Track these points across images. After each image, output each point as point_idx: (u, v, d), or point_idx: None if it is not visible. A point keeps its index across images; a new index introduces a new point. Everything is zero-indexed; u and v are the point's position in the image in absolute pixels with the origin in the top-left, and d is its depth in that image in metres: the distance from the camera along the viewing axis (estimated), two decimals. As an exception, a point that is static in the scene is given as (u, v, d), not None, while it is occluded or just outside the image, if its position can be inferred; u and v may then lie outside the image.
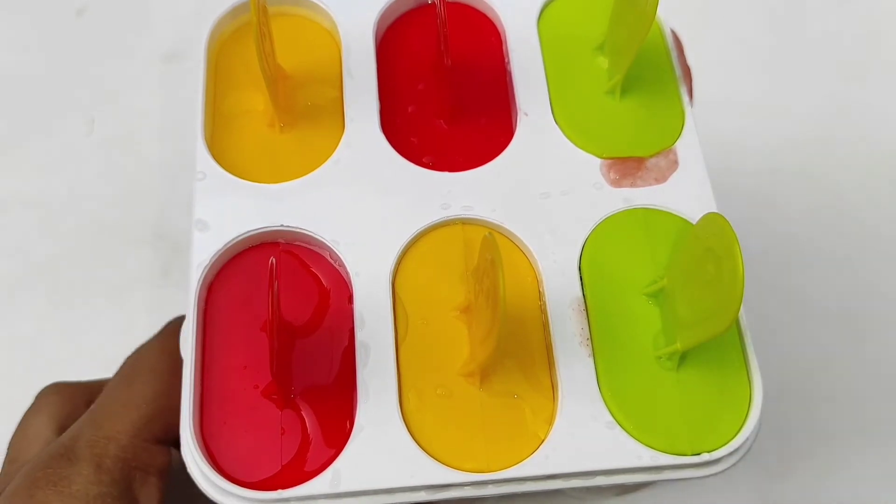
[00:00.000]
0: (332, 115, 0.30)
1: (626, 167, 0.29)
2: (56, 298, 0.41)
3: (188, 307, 0.26)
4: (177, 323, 0.27)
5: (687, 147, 0.29)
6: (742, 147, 0.45)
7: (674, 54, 0.31)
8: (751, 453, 0.38)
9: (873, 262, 0.43)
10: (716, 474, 0.26)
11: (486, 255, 0.23)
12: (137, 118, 0.44)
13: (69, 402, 0.30)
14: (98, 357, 0.40)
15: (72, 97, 0.46)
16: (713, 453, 0.25)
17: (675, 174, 0.29)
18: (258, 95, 0.30)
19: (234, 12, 0.31)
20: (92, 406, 0.28)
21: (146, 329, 0.40)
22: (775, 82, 0.48)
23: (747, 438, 0.25)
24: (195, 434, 0.25)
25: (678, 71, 0.30)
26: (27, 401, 0.31)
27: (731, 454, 0.25)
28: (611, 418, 0.25)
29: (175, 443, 0.29)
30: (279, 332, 0.24)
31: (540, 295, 0.27)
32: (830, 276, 0.43)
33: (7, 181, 0.44)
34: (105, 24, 0.48)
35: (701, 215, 0.28)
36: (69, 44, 0.47)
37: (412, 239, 0.27)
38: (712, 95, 0.45)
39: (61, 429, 0.30)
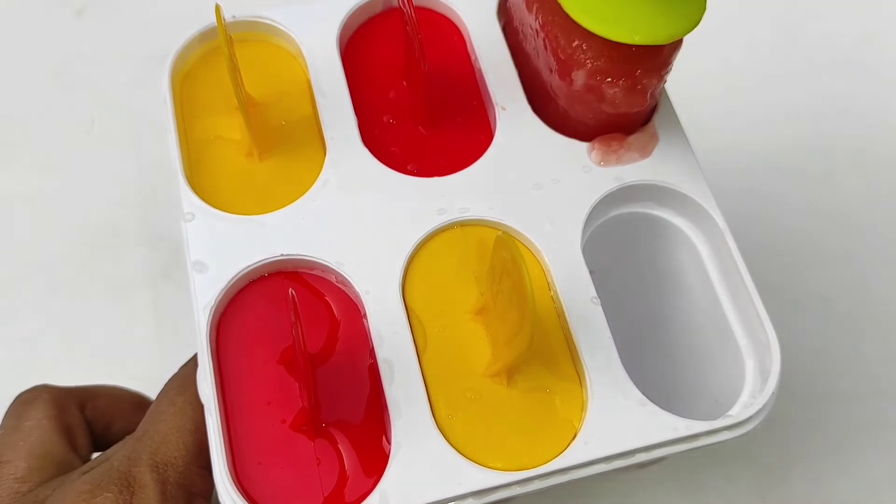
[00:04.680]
0: (310, 137, 0.29)
1: (609, 146, 0.29)
2: (56, 298, 0.41)
3: (200, 351, 0.26)
4: None
5: (664, 118, 0.30)
6: (743, 147, 0.45)
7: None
8: (751, 453, 0.39)
9: (873, 261, 0.44)
10: (746, 433, 0.26)
11: (504, 254, 0.23)
12: (137, 118, 0.44)
13: (66, 410, 0.30)
14: (98, 357, 0.40)
15: (72, 97, 0.46)
16: (740, 414, 0.26)
17: (657, 147, 0.29)
18: (230, 125, 0.29)
19: (193, 43, 0.30)
20: (138, 431, 0.27)
21: (146, 329, 0.40)
22: (775, 82, 0.48)
23: (773, 392, 0.26)
24: (231, 478, 0.24)
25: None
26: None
27: (760, 410, 0.26)
28: (641, 395, 0.26)
29: None
30: (309, 362, 0.23)
31: (549, 285, 0.27)
32: (830, 276, 0.43)
33: (7, 181, 0.44)
34: (105, 24, 0.48)
35: (688, 183, 0.29)
36: (69, 44, 0.47)
37: (415, 249, 0.27)
38: (713, 95, 0.46)
39: (70, 441, 0.29)
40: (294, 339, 0.23)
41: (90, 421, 0.30)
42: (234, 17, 0.30)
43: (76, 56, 0.47)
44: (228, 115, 0.29)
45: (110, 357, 0.39)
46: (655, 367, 0.31)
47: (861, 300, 0.43)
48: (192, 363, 0.28)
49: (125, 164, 0.43)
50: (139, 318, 0.40)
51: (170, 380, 0.28)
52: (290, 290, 0.23)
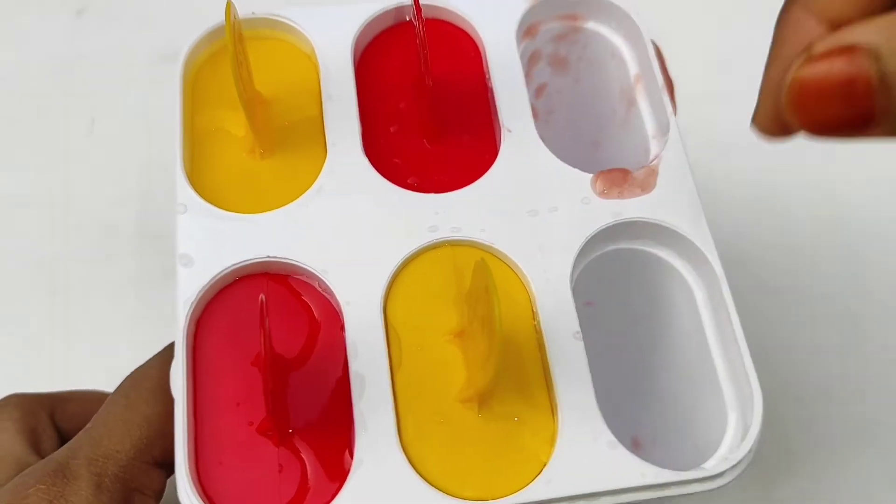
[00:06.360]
0: (313, 140, 0.29)
1: (613, 179, 0.29)
2: (56, 298, 0.41)
3: (177, 345, 0.26)
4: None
5: (671, 155, 0.29)
6: (742, 147, 0.45)
7: (656, 66, 0.30)
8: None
9: (873, 261, 0.43)
10: (720, 487, 0.25)
11: (480, 281, 0.23)
12: (137, 118, 0.44)
13: (32, 415, 0.29)
14: (98, 357, 0.40)
15: (72, 97, 0.46)
16: (715, 467, 0.25)
17: (659, 183, 0.29)
18: (235, 120, 0.29)
19: (209, 36, 0.30)
20: (88, 424, 0.27)
21: (146, 329, 0.40)
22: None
23: (750, 449, 0.25)
24: (191, 475, 0.24)
25: (661, 82, 0.30)
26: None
27: (734, 466, 0.25)
28: (612, 437, 0.25)
29: (170, 468, 0.29)
30: (273, 370, 0.23)
31: (534, 314, 0.27)
32: (830, 276, 0.43)
33: (7, 181, 0.44)
34: (105, 24, 0.48)
35: (689, 225, 0.28)
36: (69, 44, 0.48)
37: (401, 264, 0.27)
38: (713, 95, 0.45)
39: (33, 444, 0.29)
40: (261, 344, 0.23)
41: (62, 426, 0.30)
42: (253, 13, 0.30)
43: (76, 56, 0.47)
44: (235, 111, 0.29)
45: (110, 356, 0.39)
46: (642, 406, 0.31)
47: (860, 300, 0.43)
48: (159, 357, 0.28)
49: (125, 164, 0.43)
50: (139, 317, 0.40)
51: (131, 373, 0.28)
52: (261, 295, 0.23)
